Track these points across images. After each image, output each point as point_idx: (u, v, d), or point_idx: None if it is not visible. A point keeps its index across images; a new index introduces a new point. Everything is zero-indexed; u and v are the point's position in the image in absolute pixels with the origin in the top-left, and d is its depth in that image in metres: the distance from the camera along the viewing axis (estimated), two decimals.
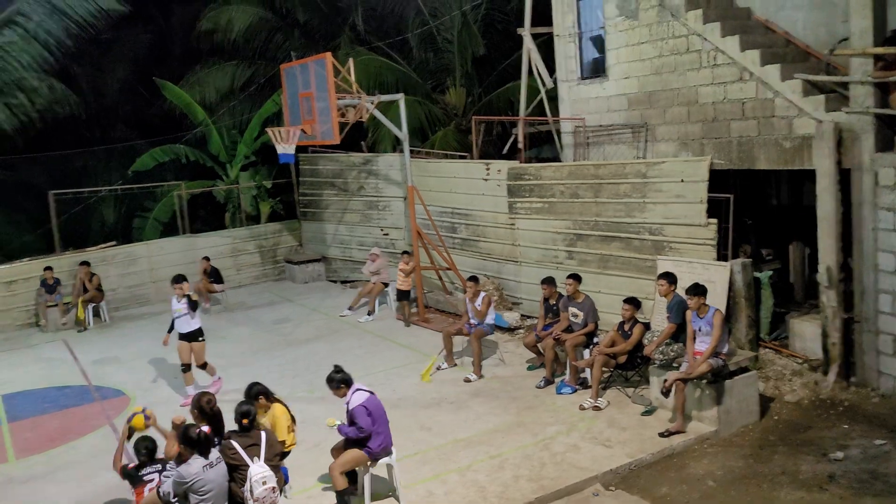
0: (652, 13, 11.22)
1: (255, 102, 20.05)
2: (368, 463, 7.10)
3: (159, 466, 6.41)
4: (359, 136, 17.22)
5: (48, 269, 15.33)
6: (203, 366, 10.39)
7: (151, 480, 6.32)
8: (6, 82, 16.98)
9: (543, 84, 14.09)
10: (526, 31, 14.11)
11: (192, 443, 5.77)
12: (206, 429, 6.17)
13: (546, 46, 14.02)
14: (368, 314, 13.87)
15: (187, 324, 10.12)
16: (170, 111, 20.79)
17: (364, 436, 6.89)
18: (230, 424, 6.46)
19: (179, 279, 10.19)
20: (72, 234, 18.66)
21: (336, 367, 7.20)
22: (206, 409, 6.43)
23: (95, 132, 22.79)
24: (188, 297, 10.08)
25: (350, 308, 14.31)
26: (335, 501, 6.98)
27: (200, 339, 10.23)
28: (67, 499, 7.74)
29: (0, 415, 10.50)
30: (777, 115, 9.69)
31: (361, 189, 16.66)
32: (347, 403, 7.02)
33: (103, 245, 17.24)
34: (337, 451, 7.26)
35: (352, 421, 6.96)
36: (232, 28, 19.59)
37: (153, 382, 11.38)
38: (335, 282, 17.32)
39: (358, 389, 7.04)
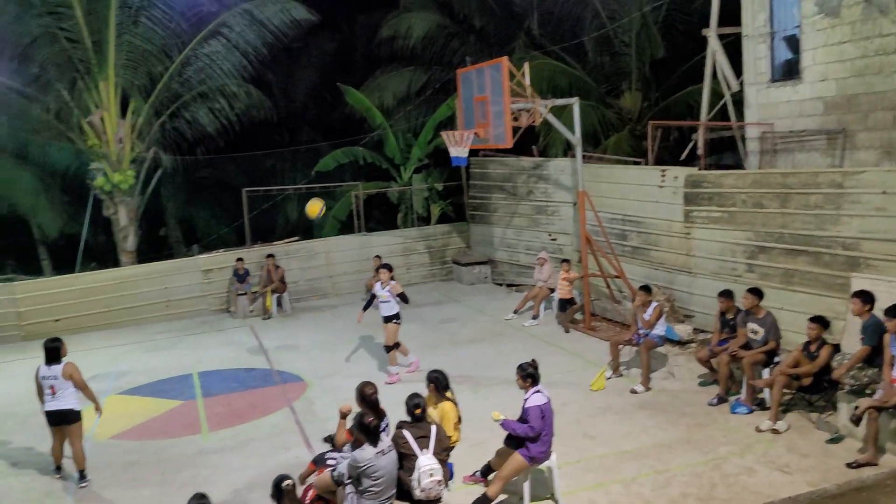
0: (856, 10, 10.38)
1: (429, 107, 20.68)
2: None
3: (338, 455, 6.75)
4: (530, 141, 17.27)
5: (240, 259, 16.64)
6: (391, 347, 11.20)
7: (330, 467, 6.68)
8: (211, 88, 18.64)
9: (728, 87, 13.44)
10: (711, 32, 13.53)
11: (363, 430, 6.06)
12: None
13: (732, 47, 13.36)
14: (533, 318, 13.86)
15: (388, 308, 11.06)
16: (350, 115, 21.90)
17: (532, 436, 6.88)
18: (398, 415, 6.71)
19: (387, 267, 11.20)
20: (260, 229, 20.15)
21: (534, 360, 7.23)
22: (367, 398, 6.74)
23: (284, 135, 24.54)
24: (393, 285, 11.08)
25: (515, 311, 14.38)
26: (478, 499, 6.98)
27: (395, 321, 11.12)
28: (253, 471, 8.34)
29: (196, 390, 11.52)
30: None
31: (530, 193, 16.69)
32: (525, 400, 7.05)
33: (287, 240, 18.46)
34: (501, 455, 7.32)
35: (524, 419, 6.98)
36: (411, 35, 20.33)
37: (329, 371, 12.00)
38: (500, 284, 17.47)
39: (538, 391, 7.04)
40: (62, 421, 8.16)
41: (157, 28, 17.48)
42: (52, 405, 8.13)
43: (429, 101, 20.81)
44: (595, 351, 11.82)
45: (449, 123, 18.94)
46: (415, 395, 6.75)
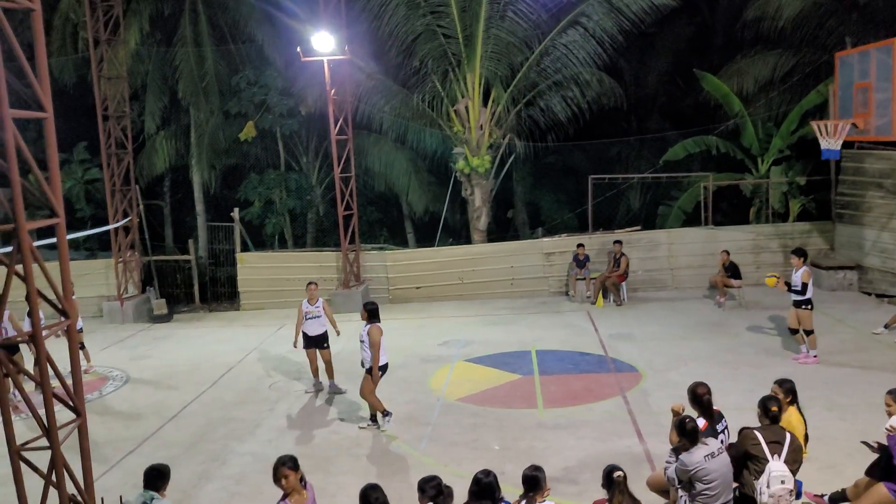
0: None
1: (795, 93, 18.90)
2: None
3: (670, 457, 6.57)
4: None
5: (580, 245, 16.99)
6: (806, 332, 11.40)
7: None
8: (565, 77, 19.18)
9: None
10: None
11: (683, 433, 5.91)
12: (700, 422, 6.24)
13: None
14: None
15: (797, 293, 11.36)
16: (704, 102, 20.92)
17: None
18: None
19: (799, 253, 11.53)
20: (601, 216, 20.34)
21: None
22: (699, 398, 6.54)
23: (632, 122, 24.36)
24: (804, 271, 11.38)
25: (886, 326, 12.61)
26: None
27: (804, 307, 11.31)
28: (584, 453, 8.55)
29: (534, 367, 12.10)
30: None
31: None
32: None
33: (629, 229, 18.36)
34: (860, 486, 6.55)
35: None
36: (780, 15, 18.67)
37: (664, 365, 11.74)
38: (869, 294, 15.43)
39: None
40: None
41: (520, 21, 18.41)
42: (387, 357, 9.62)
43: (795, 88, 18.99)
44: None
45: (819, 112, 17.16)
46: (768, 398, 6.37)
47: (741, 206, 20.00)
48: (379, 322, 9.45)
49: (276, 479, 5.66)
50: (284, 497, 5.62)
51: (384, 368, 9.52)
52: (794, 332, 11.60)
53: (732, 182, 19.29)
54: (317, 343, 11.07)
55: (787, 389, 6.82)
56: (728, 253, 15.44)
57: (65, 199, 17.18)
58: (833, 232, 16.87)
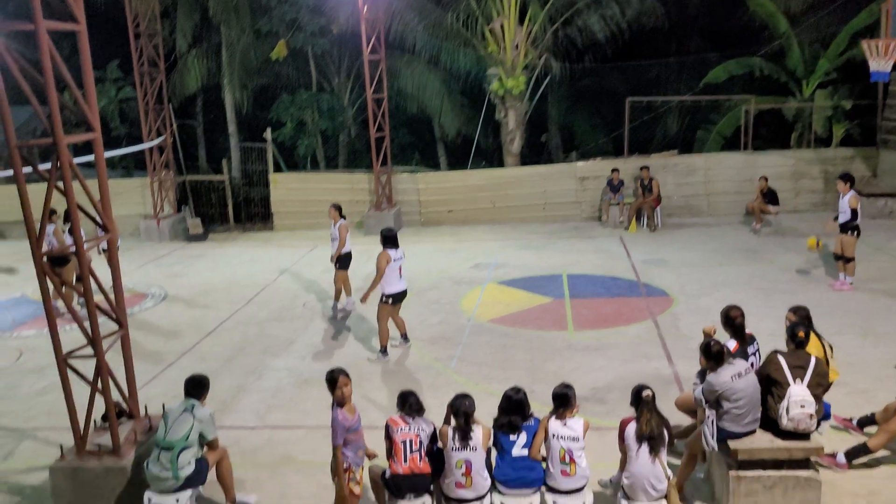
0: None
1: (844, 13, 18.06)
2: None
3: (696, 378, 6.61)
4: None
5: (615, 170, 16.75)
6: (848, 258, 11.23)
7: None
8: None
9: None
10: None
11: (708, 355, 5.97)
12: (731, 344, 6.27)
13: None
14: None
15: (843, 217, 11.13)
16: (748, 23, 20.13)
17: None
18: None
19: (846, 178, 11.12)
20: (637, 140, 19.95)
21: None
22: (732, 320, 6.54)
23: (672, 44, 23.54)
24: (851, 196, 11.05)
25: None
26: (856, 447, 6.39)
27: (850, 233, 11.09)
28: (612, 374, 8.64)
29: (565, 290, 12.13)
30: None
31: None
32: None
33: (665, 153, 18.01)
34: (889, 410, 6.57)
35: None
36: None
37: (696, 291, 11.69)
38: None
39: None
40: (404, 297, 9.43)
41: None
42: (402, 285, 9.25)
43: (846, 7, 18.14)
44: None
45: (869, 33, 16.39)
46: (797, 323, 6.32)
47: (782, 131, 19.45)
48: (394, 248, 9.07)
49: (334, 388, 5.73)
50: (339, 406, 5.71)
51: (399, 297, 9.25)
52: (839, 258, 11.39)
53: (775, 106, 18.70)
54: (334, 263, 11.23)
55: (803, 316, 6.73)
56: (766, 179, 15.13)
57: (99, 117, 17.28)
58: (877, 158, 16.40)
